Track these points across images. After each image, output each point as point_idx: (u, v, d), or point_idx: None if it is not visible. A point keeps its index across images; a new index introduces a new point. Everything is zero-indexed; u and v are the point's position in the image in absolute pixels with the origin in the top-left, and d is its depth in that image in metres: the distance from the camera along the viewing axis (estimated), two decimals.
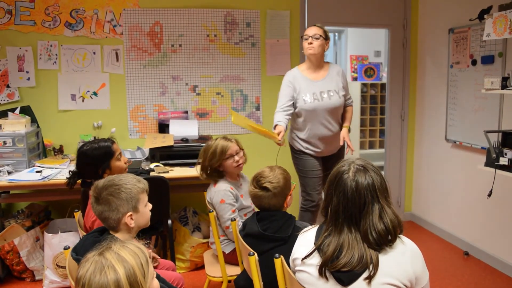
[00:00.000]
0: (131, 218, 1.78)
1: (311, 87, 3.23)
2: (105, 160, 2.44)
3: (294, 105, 3.24)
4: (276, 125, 3.11)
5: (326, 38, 3.24)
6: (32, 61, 3.68)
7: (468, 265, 3.61)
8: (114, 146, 2.51)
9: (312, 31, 3.19)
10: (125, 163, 2.57)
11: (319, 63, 3.28)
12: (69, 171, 2.59)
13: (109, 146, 2.47)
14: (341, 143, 3.26)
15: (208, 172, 2.72)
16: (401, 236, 1.47)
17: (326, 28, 3.28)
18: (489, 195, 3.08)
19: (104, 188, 1.78)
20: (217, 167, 2.70)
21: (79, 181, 2.53)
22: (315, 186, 3.34)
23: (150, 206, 1.90)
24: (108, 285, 1.14)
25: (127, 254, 1.21)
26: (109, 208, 1.76)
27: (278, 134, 2.99)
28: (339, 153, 3.41)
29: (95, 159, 2.43)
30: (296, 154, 3.38)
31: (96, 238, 1.76)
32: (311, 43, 3.17)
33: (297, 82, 3.24)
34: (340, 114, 3.35)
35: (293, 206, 3.57)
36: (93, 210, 1.82)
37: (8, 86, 3.66)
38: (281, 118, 3.14)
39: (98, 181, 1.87)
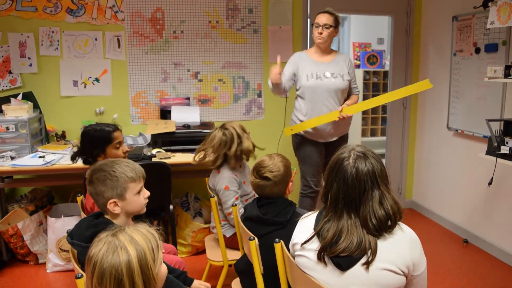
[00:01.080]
0: (115, 205, 1.78)
1: (315, 68, 3.26)
2: (101, 144, 2.48)
3: (294, 83, 3.32)
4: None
5: (337, 26, 3.25)
6: (34, 47, 3.68)
7: (467, 252, 3.64)
8: (115, 133, 2.52)
9: (323, 19, 3.19)
10: (124, 152, 2.58)
11: (326, 49, 3.33)
12: (77, 146, 2.68)
13: (109, 132, 2.50)
14: (339, 108, 3.21)
15: (225, 157, 2.70)
16: (400, 223, 1.48)
17: None
18: (490, 183, 3.10)
19: (95, 172, 1.80)
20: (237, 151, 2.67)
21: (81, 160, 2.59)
22: (314, 174, 3.36)
23: (146, 193, 1.88)
24: (120, 266, 1.16)
25: (140, 237, 1.23)
26: (95, 192, 1.78)
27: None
28: (342, 140, 3.41)
29: (93, 141, 2.48)
30: (297, 139, 3.39)
31: (90, 222, 1.78)
32: (321, 33, 3.20)
33: (302, 62, 3.29)
34: (343, 99, 3.34)
35: (294, 192, 3.60)
36: (87, 189, 1.85)
37: (10, 72, 3.66)
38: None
39: (97, 162, 1.90)
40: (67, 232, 1.83)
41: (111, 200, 1.77)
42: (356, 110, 3.31)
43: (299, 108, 3.33)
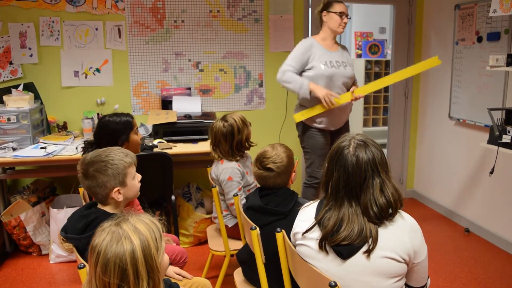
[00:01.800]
0: (119, 193, 1.79)
1: (327, 56, 3.28)
2: (124, 132, 2.54)
3: (304, 73, 3.26)
4: (309, 84, 3.13)
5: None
6: (34, 38, 3.66)
7: (469, 241, 3.65)
8: (134, 120, 2.63)
9: (345, 9, 3.32)
10: (140, 138, 2.65)
11: (335, 38, 3.41)
12: (85, 141, 2.71)
13: (130, 120, 2.59)
14: (351, 90, 3.30)
15: (234, 149, 2.70)
16: (401, 211, 1.48)
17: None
18: (491, 172, 3.10)
19: (91, 164, 1.79)
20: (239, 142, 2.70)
21: None
22: (321, 164, 3.36)
23: (139, 177, 1.91)
24: (124, 255, 1.16)
25: (143, 227, 1.22)
26: (96, 184, 1.77)
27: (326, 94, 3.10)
28: (344, 128, 3.45)
29: (115, 131, 2.53)
30: (305, 129, 3.36)
31: (82, 213, 1.79)
32: (346, 22, 3.32)
33: (315, 49, 3.26)
34: (349, 88, 3.38)
35: (296, 182, 3.59)
36: (82, 184, 1.84)
37: (11, 63, 3.66)
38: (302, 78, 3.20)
39: (85, 155, 1.87)
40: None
41: (116, 189, 1.78)
42: (367, 91, 3.39)
43: (312, 99, 3.25)
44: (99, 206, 1.84)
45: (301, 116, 3.31)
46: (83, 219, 1.74)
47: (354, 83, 3.43)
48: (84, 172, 1.81)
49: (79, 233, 1.72)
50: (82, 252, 1.72)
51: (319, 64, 3.22)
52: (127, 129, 2.55)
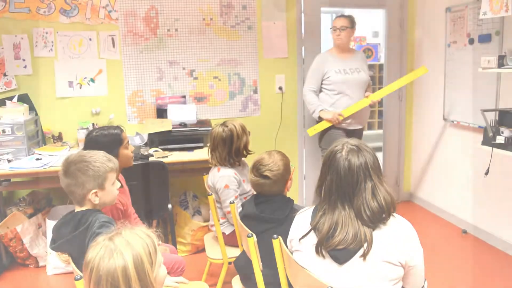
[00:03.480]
0: (96, 195, 1.80)
1: (341, 64, 3.62)
2: (113, 147, 2.39)
3: (322, 82, 3.63)
4: (321, 111, 3.56)
5: (352, 26, 3.64)
6: (28, 49, 3.66)
7: (466, 243, 3.65)
8: (123, 134, 2.49)
9: (339, 23, 3.59)
10: (132, 151, 2.56)
11: (346, 47, 3.72)
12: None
13: (119, 134, 2.46)
14: (366, 94, 3.65)
15: (232, 155, 2.71)
16: (395, 214, 1.49)
17: (323, 9, 3.68)
18: (486, 173, 3.11)
19: (73, 163, 1.81)
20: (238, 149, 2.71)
21: None
22: None
23: (118, 184, 1.92)
24: (116, 272, 1.14)
25: (136, 241, 1.20)
26: (75, 183, 1.79)
27: (339, 115, 3.51)
28: (359, 132, 3.74)
29: (104, 146, 2.35)
30: (326, 129, 3.60)
31: (63, 219, 1.81)
32: (339, 35, 3.60)
33: (327, 62, 3.62)
34: (364, 91, 3.69)
35: (293, 188, 3.59)
36: (61, 182, 1.84)
37: (5, 75, 3.65)
38: (318, 102, 3.60)
39: (69, 154, 1.89)
40: None
41: (93, 191, 1.79)
42: (381, 96, 3.73)
43: (324, 100, 3.62)
44: (77, 208, 1.84)
45: (314, 130, 3.60)
46: (70, 222, 1.77)
47: (368, 86, 3.72)
48: (65, 170, 1.82)
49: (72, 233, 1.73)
50: (77, 261, 1.71)
51: (331, 72, 3.57)
52: (116, 145, 2.42)
